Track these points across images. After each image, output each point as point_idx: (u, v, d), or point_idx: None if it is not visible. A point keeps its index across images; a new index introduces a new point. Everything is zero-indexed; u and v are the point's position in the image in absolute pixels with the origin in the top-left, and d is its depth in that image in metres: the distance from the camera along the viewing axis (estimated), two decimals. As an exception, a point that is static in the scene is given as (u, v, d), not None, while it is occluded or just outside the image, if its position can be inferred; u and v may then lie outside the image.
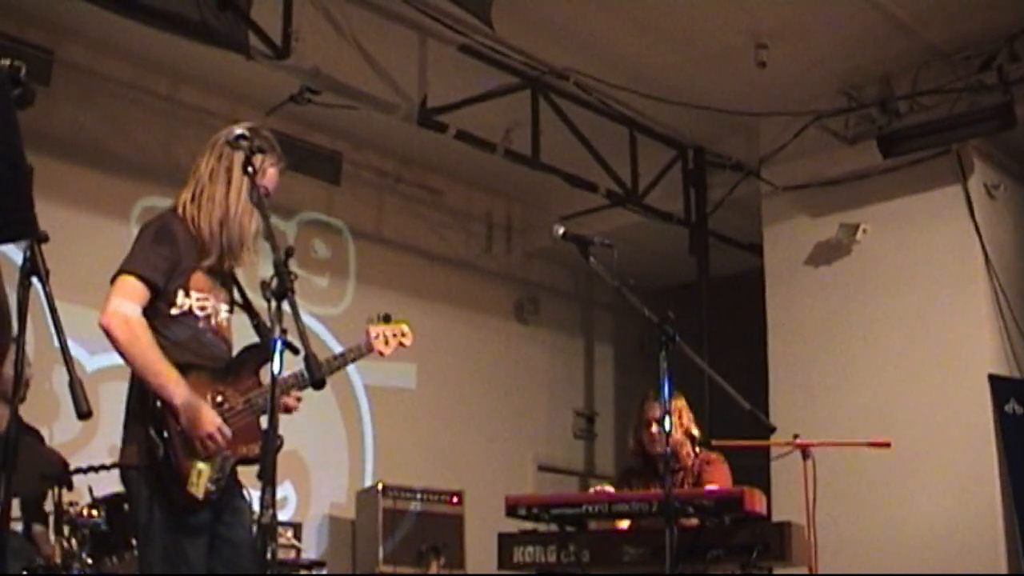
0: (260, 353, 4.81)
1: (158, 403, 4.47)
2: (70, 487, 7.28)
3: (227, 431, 4.57)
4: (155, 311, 4.60)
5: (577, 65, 10.09)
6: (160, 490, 4.47)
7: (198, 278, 4.72)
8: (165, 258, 4.60)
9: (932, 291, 10.24)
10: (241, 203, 4.69)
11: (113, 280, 4.58)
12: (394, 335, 5.44)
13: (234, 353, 4.89)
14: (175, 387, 4.48)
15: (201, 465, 4.51)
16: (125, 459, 4.58)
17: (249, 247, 4.79)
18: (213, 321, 4.77)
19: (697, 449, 7.17)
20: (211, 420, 4.53)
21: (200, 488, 4.50)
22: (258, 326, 4.85)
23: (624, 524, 6.73)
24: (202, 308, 4.72)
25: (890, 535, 9.88)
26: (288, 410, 4.85)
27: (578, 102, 10.52)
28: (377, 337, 5.39)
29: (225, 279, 4.88)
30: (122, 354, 4.50)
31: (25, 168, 1.68)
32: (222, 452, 4.58)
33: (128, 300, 4.51)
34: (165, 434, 4.46)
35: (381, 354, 5.42)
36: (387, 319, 5.49)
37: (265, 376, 4.76)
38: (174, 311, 4.64)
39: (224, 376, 4.73)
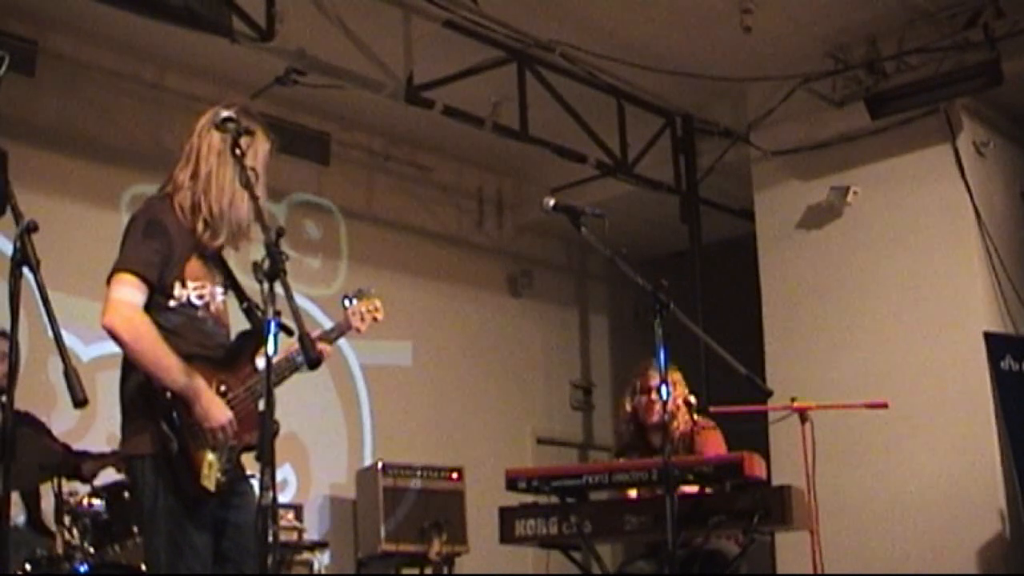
0: (254, 339, 4.79)
1: (167, 395, 4.45)
2: (77, 473, 7.28)
3: (235, 424, 4.57)
4: (153, 303, 4.56)
5: (562, 36, 10.06)
6: (167, 478, 4.45)
7: (193, 266, 4.68)
8: (157, 251, 4.54)
9: (924, 251, 10.24)
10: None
11: (109, 279, 4.55)
12: (367, 310, 5.46)
13: (232, 337, 4.88)
14: (186, 380, 4.46)
15: (211, 457, 4.50)
16: (133, 448, 4.56)
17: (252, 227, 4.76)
18: (211, 307, 4.74)
19: (696, 417, 7.17)
20: (222, 411, 4.53)
21: (212, 480, 4.50)
22: (248, 309, 4.83)
23: (633, 493, 6.76)
24: (200, 296, 4.68)
25: (890, 496, 9.91)
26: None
27: (564, 74, 10.49)
28: (354, 314, 5.43)
29: (217, 262, 4.86)
30: (128, 352, 4.47)
31: None
32: (229, 442, 4.57)
33: (127, 298, 4.46)
34: (177, 428, 4.45)
35: (358, 330, 5.45)
36: (360, 295, 5.51)
37: (261, 362, 4.76)
38: (172, 303, 4.60)
39: (225, 365, 4.71)
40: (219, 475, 4.53)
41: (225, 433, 4.51)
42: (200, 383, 4.48)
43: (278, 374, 4.63)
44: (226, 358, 4.74)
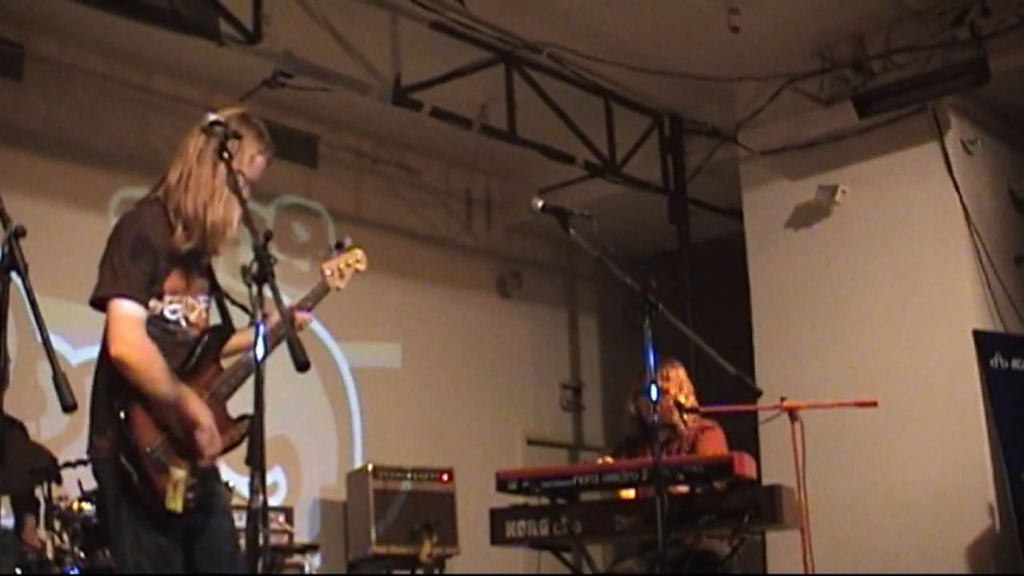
0: (220, 336, 4.74)
1: (121, 415, 4.36)
2: (59, 481, 7.26)
3: (218, 442, 4.51)
4: None
5: (550, 37, 10.06)
6: (129, 481, 4.39)
7: (172, 279, 4.58)
8: (143, 272, 4.44)
9: (913, 249, 10.25)
10: (226, 187, 4.57)
11: (104, 305, 4.42)
12: (347, 265, 5.21)
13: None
14: (176, 390, 4.40)
15: (177, 476, 4.40)
16: (97, 452, 4.48)
17: (233, 235, 4.67)
18: (186, 321, 4.61)
19: (685, 417, 7.16)
20: (209, 414, 4.49)
21: (179, 500, 4.38)
22: (219, 300, 4.77)
23: (630, 494, 6.75)
24: (173, 312, 4.56)
25: (880, 494, 9.91)
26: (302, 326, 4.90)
27: (552, 74, 10.49)
28: (331, 274, 5.16)
29: (201, 270, 4.76)
30: (134, 379, 4.36)
31: None
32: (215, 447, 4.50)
33: (132, 326, 4.38)
34: (133, 457, 4.37)
35: (338, 289, 5.18)
36: (340, 247, 5.27)
37: (225, 361, 4.70)
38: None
39: (189, 375, 4.58)
40: (187, 492, 4.42)
41: (213, 434, 4.46)
42: (185, 389, 4.42)
43: (237, 378, 4.60)
44: (190, 366, 4.63)
